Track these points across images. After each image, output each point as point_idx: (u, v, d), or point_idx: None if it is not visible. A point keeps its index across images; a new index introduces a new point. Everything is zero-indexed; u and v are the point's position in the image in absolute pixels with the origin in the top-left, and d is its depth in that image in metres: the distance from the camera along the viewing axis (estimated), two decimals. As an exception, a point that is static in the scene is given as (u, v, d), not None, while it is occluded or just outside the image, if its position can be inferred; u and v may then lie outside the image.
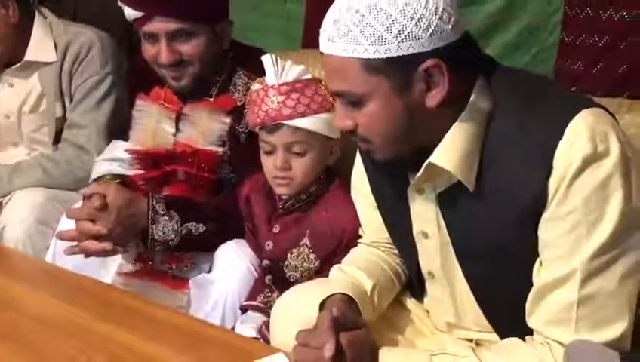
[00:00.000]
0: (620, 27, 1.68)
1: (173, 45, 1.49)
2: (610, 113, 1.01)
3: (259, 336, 1.35)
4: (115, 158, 1.70)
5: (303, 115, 1.30)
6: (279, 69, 1.31)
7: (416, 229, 1.13)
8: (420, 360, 1.01)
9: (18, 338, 1.21)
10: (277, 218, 1.45)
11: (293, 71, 1.32)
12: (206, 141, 1.54)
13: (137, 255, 1.56)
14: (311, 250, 1.39)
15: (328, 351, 0.98)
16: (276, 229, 1.44)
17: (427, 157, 1.01)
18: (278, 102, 1.30)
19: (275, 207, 1.44)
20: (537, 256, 0.99)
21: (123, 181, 1.59)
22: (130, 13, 1.51)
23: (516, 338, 1.02)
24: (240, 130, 1.53)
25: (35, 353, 1.17)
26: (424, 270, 1.17)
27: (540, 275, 0.98)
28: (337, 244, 1.37)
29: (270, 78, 1.32)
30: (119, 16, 1.79)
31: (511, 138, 0.97)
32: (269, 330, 1.26)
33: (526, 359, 0.97)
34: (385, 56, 0.93)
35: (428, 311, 1.24)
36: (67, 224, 1.51)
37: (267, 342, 1.27)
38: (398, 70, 0.95)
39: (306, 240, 1.40)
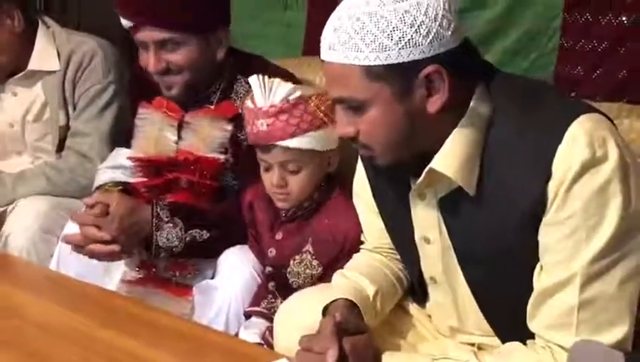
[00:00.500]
0: (619, 32, 1.69)
1: (161, 54, 1.50)
2: (609, 118, 1.01)
3: (262, 342, 1.36)
4: (117, 166, 1.71)
5: (292, 135, 1.31)
6: (267, 91, 1.32)
7: (418, 235, 1.14)
8: (423, 365, 1.02)
9: (22, 345, 1.21)
10: (280, 225, 1.45)
11: (280, 91, 1.32)
12: (208, 148, 1.54)
13: (141, 262, 1.57)
14: (313, 257, 1.40)
15: (331, 356, 0.98)
16: (279, 236, 1.45)
17: (428, 163, 1.02)
18: (267, 125, 1.31)
19: (278, 214, 1.45)
20: (538, 260, 0.99)
21: (125, 188, 1.60)
22: (124, 23, 1.53)
23: (518, 343, 1.02)
24: (241, 137, 1.54)
25: (39, 360, 1.17)
26: (426, 275, 1.18)
27: (541, 279, 0.99)
28: (340, 251, 1.38)
29: (258, 100, 1.33)
30: (122, 26, 1.81)
31: (510, 143, 0.98)
32: (272, 336, 1.27)
33: (527, 363, 0.97)
34: (385, 62, 0.94)
35: (430, 316, 1.24)
36: (73, 229, 1.52)
37: (271, 347, 1.28)
38: (398, 76, 0.96)
39: (308, 247, 1.40)
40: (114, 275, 1.58)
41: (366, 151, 1.05)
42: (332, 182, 1.43)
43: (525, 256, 1.00)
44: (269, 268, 1.44)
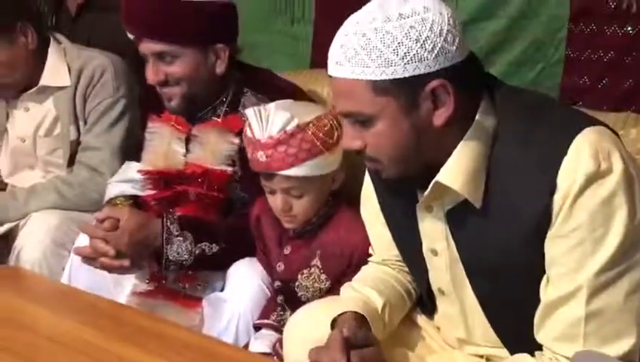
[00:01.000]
0: (624, 42, 1.69)
1: (159, 65, 1.52)
2: (614, 131, 1.02)
3: (272, 353, 1.36)
4: (127, 180, 1.72)
5: (292, 164, 1.32)
6: (263, 122, 1.32)
7: (425, 247, 1.14)
8: (431, 377, 1.02)
9: (33, 357, 1.22)
10: (287, 239, 1.46)
11: (277, 121, 1.32)
12: (216, 161, 1.56)
13: (151, 274, 1.58)
14: (321, 271, 1.40)
15: None
16: (287, 250, 1.46)
17: (434, 176, 1.03)
18: (266, 156, 1.32)
19: (286, 229, 1.46)
20: (544, 272, 1.00)
21: (136, 202, 1.62)
22: (129, 36, 1.56)
23: (525, 354, 1.02)
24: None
25: (51, 373, 1.19)
26: (434, 287, 1.18)
27: (547, 292, 0.99)
28: (347, 264, 1.38)
29: (256, 131, 1.34)
30: (132, 41, 1.84)
31: (515, 156, 0.99)
32: (282, 347, 1.27)
33: (535, 374, 0.98)
34: (392, 77, 0.96)
35: (438, 328, 1.24)
36: (84, 241, 1.54)
37: (281, 359, 1.28)
38: (404, 91, 0.97)
39: (316, 261, 1.41)
40: (124, 288, 1.59)
41: (373, 164, 1.06)
42: (338, 196, 1.44)
43: (532, 267, 1.00)
44: (277, 283, 1.45)
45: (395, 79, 0.95)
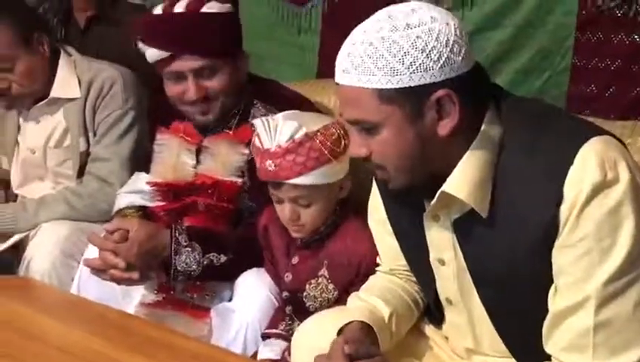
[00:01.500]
0: (631, 50, 1.69)
1: (200, 82, 1.53)
2: (620, 140, 1.02)
3: (281, 360, 1.36)
4: (136, 191, 1.73)
5: (300, 173, 1.32)
6: (271, 132, 1.33)
7: (432, 256, 1.14)
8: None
9: (44, 368, 1.23)
10: (295, 249, 1.47)
11: (285, 130, 1.33)
12: (226, 172, 1.57)
13: (159, 285, 1.59)
14: (329, 281, 1.41)
15: None
16: (295, 260, 1.46)
17: (441, 185, 1.03)
18: (275, 165, 1.32)
19: (293, 239, 1.46)
20: (552, 281, 1.00)
21: (145, 213, 1.62)
22: (153, 54, 1.54)
23: (534, 364, 1.02)
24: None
25: (61, 383, 1.19)
26: (442, 296, 1.18)
27: (555, 302, 0.99)
28: (355, 274, 1.38)
29: (264, 141, 1.34)
30: (139, 53, 1.85)
31: (522, 166, 0.99)
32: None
33: (544, 385, 0.98)
34: (397, 86, 0.96)
35: (446, 337, 1.24)
36: (93, 252, 1.55)
37: (289, 368, 1.29)
38: (410, 100, 0.97)
39: (324, 271, 1.41)
40: (133, 298, 1.60)
41: (380, 172, 1.07)
42: (346, 205, 1.44)
43: (539, 277, 1.00)
44: (285, 293, 1.45)
45: (400, 88, 0.96)
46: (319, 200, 1.38)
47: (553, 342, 0.99)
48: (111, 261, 1.47)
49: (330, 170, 1.34)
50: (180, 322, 1.53)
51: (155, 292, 1.59)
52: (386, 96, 0.97)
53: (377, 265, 1.33)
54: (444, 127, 0.99)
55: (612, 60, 1.72)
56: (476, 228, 1.04)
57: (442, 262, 1.13)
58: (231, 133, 1.59)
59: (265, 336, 1.45)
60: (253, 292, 1.48)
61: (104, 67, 1.93)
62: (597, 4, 1.70)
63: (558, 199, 0.95)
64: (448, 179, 1.02)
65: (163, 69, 1.56)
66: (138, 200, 1.70)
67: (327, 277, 1.41)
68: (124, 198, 1.74)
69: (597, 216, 0.93)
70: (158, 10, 1.58)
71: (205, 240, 1.51)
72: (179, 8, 1.54)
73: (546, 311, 1.00)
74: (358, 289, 1.27)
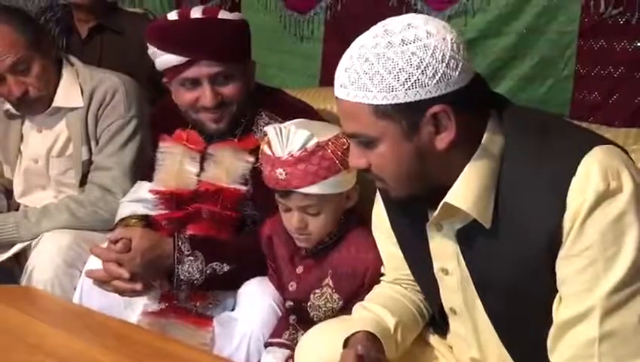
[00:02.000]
0: (634, 57, 1.69)
1: (216, 88, 1.53)
2: (623, 149, 1.01)
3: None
4: (139, 199, 1.73)
5: (311, 183, 1.32)
6: (284, 140, 1.33)
7: (436, 266, 1.14)
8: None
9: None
10: (300, 259, 1.46)
11: (298, 139, 1.32)
12: (230, 179, 1.56)
13: (162, 294, 1.58)
14: (334, 290, 1.40)
15: None
16: (299, 270, 1.45)
17: (444, 195, 1.03)
18: (286, 174, 1.32)
19: (298, 248, 1.45)
20: (556, 291, 0.99)
21: (148, 222, 1.62)
22: (168, 60, 1.53)
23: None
24: (261, 168, 1.55)
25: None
26: (446, 306, 1.18)
27: (560, 312, 0.99)
28: (360, 284, 1.38)
29: (276, 149, 1.34)
30: (142, 60, 1.85)
31: (524, 176, 0.99)
32: (294, 364, 1.27)
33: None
34: (393, 102, 0.97)
35: (451, 347, 1.23)
36: (95, 263, 1.54)
37: (292, 377, 1.28)
38: (405, 115, 0.98)
39: (328, 281, 1.41)
40: (136, 308, 1.59)
41: (380, 183, 1.07)
42: (351, 215, 1.44)
43: (543, 287, 1.00)
44: (289, 303, 1.45)
45: (396, 104, 0.97)
46: (328, 210, 1.37)
47: (558, 352, 0.99)
48: (115, 272, 1.47)
49: (340, 179, 1.34)
50: (183, 330, 1.52)
51: (158, 301, 1.58)
52: (382, 111, 0.98)
53: (382, 274, 1.33)
54: (442, 141, 0.99)
55: (615, 68, 1.72)
56: (479, 238, 1.04)
57: (446, 272, 1.13)
58: (236, 140, 1.59)
59: (268, 345, 1.44)
60: (256, 301, 1.47)
61: (106, 76, 1.93)
62: (599, 11, 1.70)
63: (561, 209, 0.94)
64: (451, 190, 1.02)
65: (175, 76, 1.55)
66: (140, 209, 1.69)
67: (332, 286, 1.40)
68: (127, 207, 1.74)
69: (601, 226, 0.93)
70: (172, 16, 1.57)
71: (208, 249, 1.51)
72: (196, 14, 1.54)
73: (551, 320, 1.00)
74: (362, 299, 1.27)
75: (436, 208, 1.05)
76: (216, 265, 1.50)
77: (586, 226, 0.93)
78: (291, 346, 1.39)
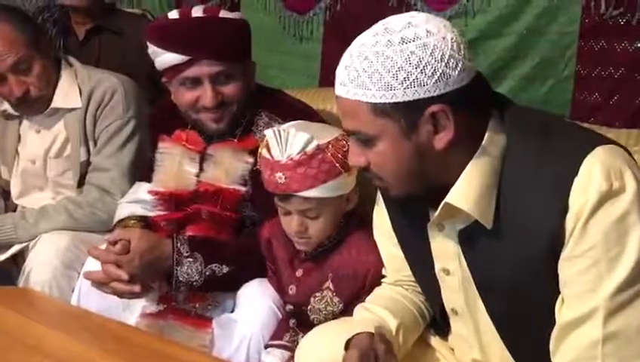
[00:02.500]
0: (635, 58, 1.69)
1: (216, 87, 1.52)
2: (626, 149, 1.01)
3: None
4: (138, 200, 1.72)
5: (311, 186, 1.31)
6: (283, 143, 1.32)
7: (437, 266, 1.14)
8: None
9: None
10: (300, 262, 1.45)
11: (297, 142, 1.31)
12: (229, 180, 1.56)
13: (161, 295, 1.57)
14: (334, 294, 1.39)
15: None
16: (299, 273, 1.45)
17: (444, 194, 1.02)
18: (285, 178, 1.31)
19: (297, 251, 1.45)
20: (559, 292, 0.99)
21: (146, 223, 1.61)
22: (169, 59, 1.52)
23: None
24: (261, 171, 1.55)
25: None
26: (447, 307, 1.17)
27: (562, 313, 0.98)
28: (361, 287, 1.37)
29: (275, 152, 1.33)
30: (140, 60, 1.84)
31: (526, 177, 0.98)
32: (295, 365, 1.26)
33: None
34: (391, 101, 0.96)
35: (453, 349, 1.23)
36: (94, 264, 1.54)
37: (293, 378, 1.27)
38: (404, 114, 0.98)
39: (329, 284, 1.40)
40: (134, 309, 1.58)
41: (378, 182, 1.07)
42: (351, 217, 1.43)
43: (545, 288, 0.99)
44: (289, 306, 1.44)
45: (394, 103, 0.96)
46: (327, 213, 1.37)
47: (561, 354, 0.98)
48: (113, 273, 1.46)
49: (340, 182, 1.34)
50: (182, 332, 1.52)
51: (157, 302, 1.57)
52: (381, 110, 0.98)
53: (383, 276, 1.32)
54: (440, 141, 0.99)
55: (615, 68, 1.72)
56: (481, 239, 1.04)
57: (447, 272, 1.12)
58: (235, 141, 1.58)
59: (268, 347, 1.43)
60: (256, 303, 1.46)
61: (105, 77, 1.92)
62: (600, 12, 1.70)
63: (564, 209, 0.94)
64: (452, 190, 1.02)
65: (176, 76, 1.54)
66: (139, 210, 1.69)
67: (333, 290, 1.40)
68: (125, 208, 1.73)
69: (604, 226, 0.92)
70: (173, 15, 1.57)
71: (207, 251, 1.50)
72: (197, 13, 1.54)
73: (553, 321, 0.99)
74: (363, 301, 1.26)
75: (437, 208, 1.04)
76: (216, 266, 1.49)
77: (589, 227, 0.93)
78: (292, 348, 1.39)
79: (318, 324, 1.36)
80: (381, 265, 1.31)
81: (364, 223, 1.36)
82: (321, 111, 1.73)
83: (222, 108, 1.54)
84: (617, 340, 0.93)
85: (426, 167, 1.01)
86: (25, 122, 1.95)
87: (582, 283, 0.94)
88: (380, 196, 1.24)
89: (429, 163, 1.01)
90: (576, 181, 0.93)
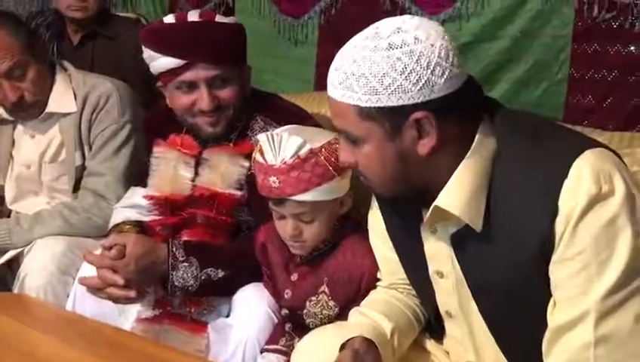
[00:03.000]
0: (628, 61, 1.70)
1: (212, 91, 1.52)
2: (615, 152, 1.01)
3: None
4: (133, 205, 1.72)
5: (305, 190, 1.31)
6: (276, 147, 1.32)
7: (431, 269, 1.14)
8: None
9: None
10: (295, 266, 1.45)
11: (290, 146, 1.31)
12: (225, 184, 1.56)
13: (156, 300, 1.57)
14: (330, 297, 1.39)
15: None
16: (294, 277, 1.45)
17: (435, 195, 1.03)
18: (279, 182, 1.31)
19: (292, 255, 1.44)
20: (551, 295, 0.99)
21: (142, 228, 1.61)
22: (165, 63, 1.52)
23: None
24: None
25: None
26: (442, 309, 1.18)
27: (554, 316, 0.99)
28: (356, 290, 1.37)
29: (269, 157, 1.33)
30: (135, 64, 1.84)
31: (516, 180, 0.99)
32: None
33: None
34: (376, 105, 0.98)
35: (448, 352, 1.23)
36: (89, 270, 1.53)
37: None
38: (388, 119, 0.99)
39: (324, 288, 1.40)
40: (129, 314, 1.58)
41: (365, 181, 1.09)
42: (346, 221, 1.43)
43: (537, 290, 1.00)
44: (285, 310, 1.44)
45: (379, 107, 0.98)
46: (322, 217, 1.37)
47: (554, 356, 0.98)
48: (109, 279, 1.45)
49: (334, 185, 1.34)
50: (178, 336, 1.51)
51: (152, 307, 1.57)
52: (367, 113, 0.99)
53: (378, 280, 1.32)
54: (424, 147, 1.00)
55: (609, 71, 1.73)
56: (473, 242, 1.04)
57: (441, 275, 1.13)
58: (231, 145, 1.58)
59: (264, 352, 1.43)
60: (251, 307, 1.46)
61: (100, 81, 1.92)
62: (593, 15, 1.71)
63: (553, 212, 0.95)
64: (441, 194, 1.03)
65: (172, 80, 1.54)
66: (134, 215, 1.68)
67: (328, 293, 1.40)
68: (121, 213, 1.73)
69: (593, 229, 0.93)
70: (169, 19, 1.57)
71: (203, 255, 1.50)
72: (193, 17, 1.54)
73: (547, 324, 1.00)
74: (358, 305, 1.26)
75: (429, 208, 1.05)
76: (211, 270, 1.49)
77: (579, 230, 0.93)
78: (287, 353, 1.39)
79: (313, 328, 1.36)
80: (376, 268, 1.32)
81: (360, 227, 1.36)
82: (316, 115, 1.73)
83: (218, 112, 1.54)
84: (609, 343, 0.93)
85: (409, 171, 1.03)
86: (19, 127, 1.94)
87: (573, 286, 0.95)
88: (375, 199, 1.25)
89: (413, 166, 1.02)
90: (566, 184, 0.94)
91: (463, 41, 1.89)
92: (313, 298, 1.40)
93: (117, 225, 1.67)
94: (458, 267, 1.08)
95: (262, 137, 1.35)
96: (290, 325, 1.44)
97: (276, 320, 1.45)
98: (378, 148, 1.01)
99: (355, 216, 1.42)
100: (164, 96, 1.63)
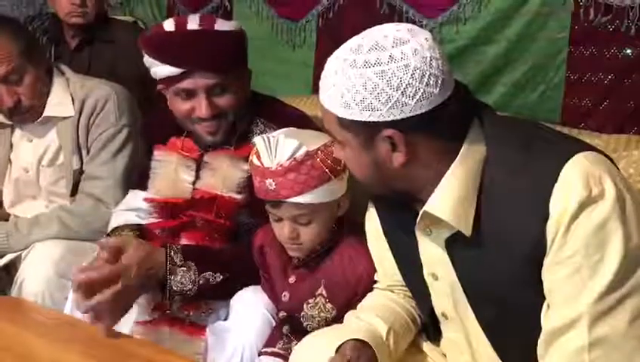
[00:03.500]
0: (624, 64, 1.70)
1: (211, 99, 1.52)
2: (608, 156, 1.02)
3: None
4: (133, 208, 1.71)
5: (301, 192, 1.31)
6: (272, 150, 1.32)
7: (426, 271, 1.14)
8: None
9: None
10: (292, 269, 1.45)
11: (287, 149, 1.32)
12: (225, 188, 1.56)
13: (154, 303, 1.57)
14: (327, 300, 1.39)
15: None
16: (292, 280, 1.45)
17: (422, 198, 1.05)
18: (275, 184, 1.31)
19: (290, 258, 1.45)
20: (544, 298, 0.99)
21: (140, 232, 1.61)
22: (164, 70, 1.52)
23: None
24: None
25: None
26: (437, 311, 1.18)
27: (548, 319, 0.99)
28: (353, 293, 1.37)
29: (265, 159, 1.33)
30: (131, 67, 1.84)
31: (506, 184, 0.99)
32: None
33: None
34: (350, 118, 1.01)
35: (444, 354, 1.23)
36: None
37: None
38: (363, 131, 1.02)
39: (321, 290, 1.40)
40: (128, 318, 1.57)
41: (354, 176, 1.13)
42: (343, 223, 1.43)
43: (531, 294, 1.00)
44: (282, 313, 1.44)
45: (353, 120, 1.01)
46: (319, 219, 1.37)
47: (548, 360, 0.98)
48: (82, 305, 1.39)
49: (330, 188, 1.34)
50: (177, 340, 1.51)
51: (151, 310, 1.57)
52: (344, 123, 1.03)
53: (375, 282, 1.32)
54: (396, 160, 1.03)
55: (605, 74, 1.74)
56: (466, 245, 1.05)
57: (435, 277, 1.13)
58: (232, 149, 1.58)
59: (261, 355, 1.43)
60: (249, 310, 1.46)
61: (97, 85, 1.92)
62: (589, 19, 1.72)
63: (544, 216, 0.95)
64: (430, 199, 1.04)
65: (170, 86, 1.54)
66: (133, 218, 1.68)
67: (325, 296, 1.40)
68: (120, 216, 1.73)
69: (584, 233, 0.93)
70: (168, 26, 1.56)
71: (201, 259, 1.49)
72: (192, 25, 1.53)
73: (541, 326, 1.00)
74: (355, 308, 1.27)
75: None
76: (209, 274, 1.49)
77: (570, 234, 0.94)
78: (285, 356, 1.39)
79: (311, 331, 1.36)
80: (373, 270, 1.32)
81: (356, 229, 1.36)
82: (314, 118, 1.73)
83: (217, 119, 1.54)
84: (604, 346, 0.93)
85: (387, 178, 1.06)
86: (17, 131, 1.94)
87: (565, 290, 0.95)
88: (372, 202, 1.25)
89: (390, 175, 1.05)
90: (556, 187, 0.94)
91: (461, 45, 1.89)
92: (311, 300, 1.41)
93: (115, 228, 1.67)
94: (452, 270, 1.09)
95: (258, 140, 1.35)
96: (288, 328, 1.43)
97: (274, 323, 1.45)
98: (355, 155, 1.06)
99: (352, 217, 1.42)
100: (162, 100, 1.63)
